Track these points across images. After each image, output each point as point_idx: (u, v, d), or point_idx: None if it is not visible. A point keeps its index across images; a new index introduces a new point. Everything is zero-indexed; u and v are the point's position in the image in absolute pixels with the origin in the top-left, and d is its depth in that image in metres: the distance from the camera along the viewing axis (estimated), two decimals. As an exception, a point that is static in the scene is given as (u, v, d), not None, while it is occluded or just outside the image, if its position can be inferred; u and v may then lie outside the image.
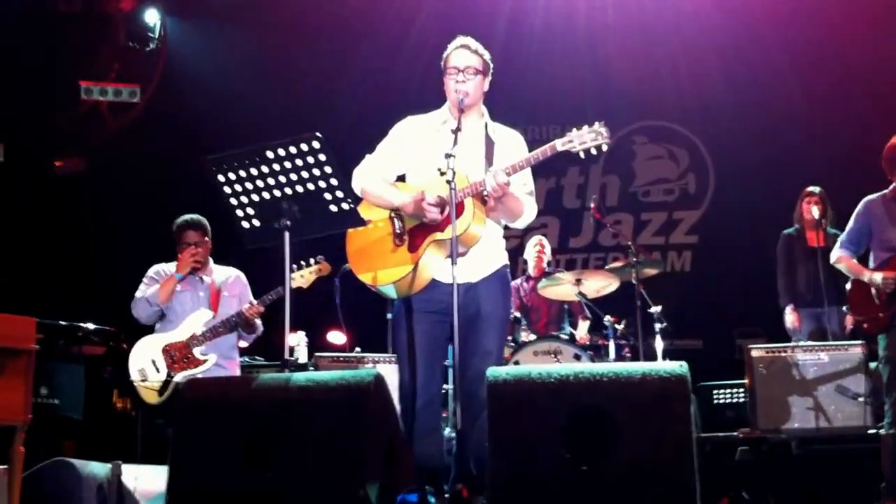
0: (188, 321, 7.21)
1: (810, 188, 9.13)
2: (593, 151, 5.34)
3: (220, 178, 5.21)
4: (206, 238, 7.41)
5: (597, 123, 5.35)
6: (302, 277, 6.94)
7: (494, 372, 4.66)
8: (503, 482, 4.47)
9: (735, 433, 7.77)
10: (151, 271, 7.46)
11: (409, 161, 5.66)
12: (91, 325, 8.23)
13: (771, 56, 11.77)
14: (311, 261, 6.99)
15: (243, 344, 7.54)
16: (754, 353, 7.79)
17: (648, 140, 13.04)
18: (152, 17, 11.76)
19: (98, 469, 5.94)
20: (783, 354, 7.73)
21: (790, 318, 9.00)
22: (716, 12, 11.87)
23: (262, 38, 11.79)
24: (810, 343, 8.02)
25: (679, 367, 4.51)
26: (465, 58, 5.55)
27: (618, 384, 4.50)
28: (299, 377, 4.92)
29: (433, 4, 11.88)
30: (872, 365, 7.27)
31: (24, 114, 10.57)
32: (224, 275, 7.51)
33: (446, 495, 5.09)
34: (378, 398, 4.73)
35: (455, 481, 5.17)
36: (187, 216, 7.43)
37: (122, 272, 8.00)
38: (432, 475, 5.20)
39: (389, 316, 8.33)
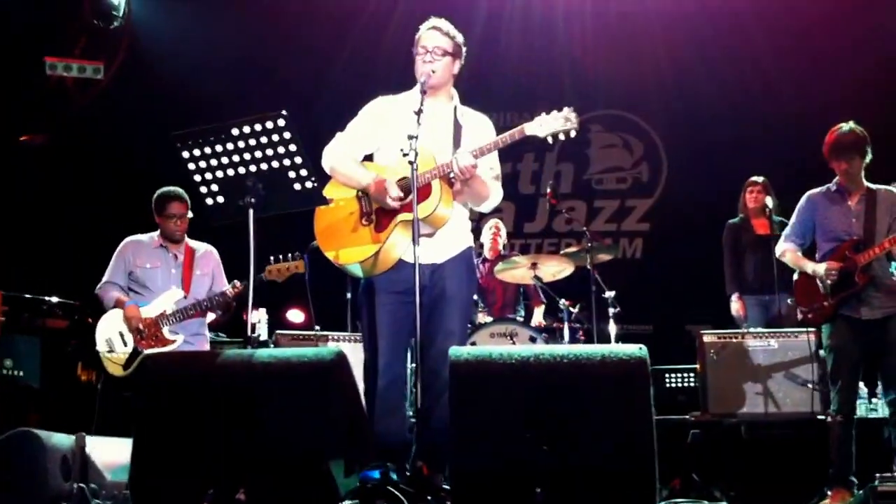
0: (160, 299, 7.18)
1: (753, 178, 9.33)
2: (561, 137, 5.36)
3: (185, 154, 5.21)
4: (188, 214, 7.35)
5: (566, 109, 5.36)
6: (279, 272, 6.97)
7: (457, 351, 4.65)
8: (464, 460, 4.49)
9: (687, 416, 7.83)
10: (122, 247, 7.36)
11: (378, 141, 5.67)
12: (55, 299, 8.18)
13: (727, 49, 11.89)
14: (290, 256, 7.02)
15: (211, 316, 7.46)
16: (706, 339, 7.85)
17: (603, 129, 13.10)
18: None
19: (62, 440, 5.94)
20: (734, 340, 7.80)
21: (735, 305, 9.17)
22: (672, 5, 12.00)
23: (228, 16, 11.70)
24: (761, 329, 8.11)
25: (638, 349, 4.55)
26: (434, 38, 5.58)
27: (578, 366, 4.51)
28: (262, 353, 4.96)
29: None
30: (822, 352, 7.36)
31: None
32: (197, 249, 7.47)
33: (407, 473, 5.10)
34: (340, 375, 4.78)
35: (416, 459, 5.18)
36: (171, 188, 7.35)
37: (87, 247, 7.97)
38: (394, 452, 5.23)
39: (349, 296, 8.40)
